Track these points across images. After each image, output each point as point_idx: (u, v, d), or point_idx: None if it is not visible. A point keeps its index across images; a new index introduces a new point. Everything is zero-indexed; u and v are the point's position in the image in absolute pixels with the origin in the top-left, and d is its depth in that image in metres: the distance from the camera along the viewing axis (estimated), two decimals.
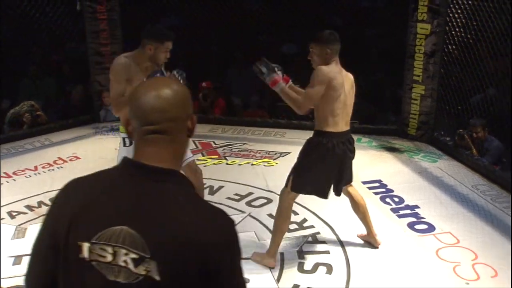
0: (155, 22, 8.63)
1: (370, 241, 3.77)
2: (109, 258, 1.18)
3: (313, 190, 3.42)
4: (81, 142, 6.20)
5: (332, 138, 3.28)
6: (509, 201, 4.55)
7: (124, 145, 3.52)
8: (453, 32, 5.60)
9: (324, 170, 3.34)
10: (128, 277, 1.17)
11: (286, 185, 3.43)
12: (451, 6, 5.56)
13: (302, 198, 4.12)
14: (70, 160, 5.48)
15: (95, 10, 6.58)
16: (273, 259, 3.47)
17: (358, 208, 3.66)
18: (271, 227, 3.97)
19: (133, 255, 1.17)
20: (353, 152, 3.45)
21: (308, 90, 3.23)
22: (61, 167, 5.32)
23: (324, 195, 3.44)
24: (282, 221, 3.47)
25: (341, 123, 3.30)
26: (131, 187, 1.23)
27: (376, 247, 3.74)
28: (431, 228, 4.04)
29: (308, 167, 3.33)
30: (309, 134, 6.83)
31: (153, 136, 1.26)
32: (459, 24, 5.51)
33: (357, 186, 3.72)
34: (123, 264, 1.18)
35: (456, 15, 5.54)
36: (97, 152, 5.75)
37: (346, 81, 3.31)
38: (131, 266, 1.17)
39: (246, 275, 3.26)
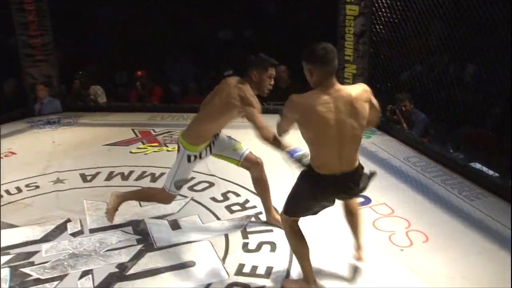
0: (89, 13, 8.45)
1: None
2: None
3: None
4: (16, 137, 6.03)
5: None
6: (438, 170, 4.81)
7: (189, 161, 3.56)
8: (380, 13, 5.76)
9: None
10: None
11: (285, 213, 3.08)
12: None
13: (243, 180, 4.22)
14: (6, 156, 5.28)
15: (22, 1, 6.38)
16: (314, 284, 3.11)
17: None
18: (214, 210, 4.07)
19: None
20: None
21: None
22: None
23: None
24: (301, 246, 3.11)
25: None
26: None
27: None
28: (367, 200, 4.18)
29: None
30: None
31: None
32: (385, 5, 5.67)
33: None
34: None
35: None
36: (33, 146, 5.62)
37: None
38: None
39: (191, 257, 3.34)
